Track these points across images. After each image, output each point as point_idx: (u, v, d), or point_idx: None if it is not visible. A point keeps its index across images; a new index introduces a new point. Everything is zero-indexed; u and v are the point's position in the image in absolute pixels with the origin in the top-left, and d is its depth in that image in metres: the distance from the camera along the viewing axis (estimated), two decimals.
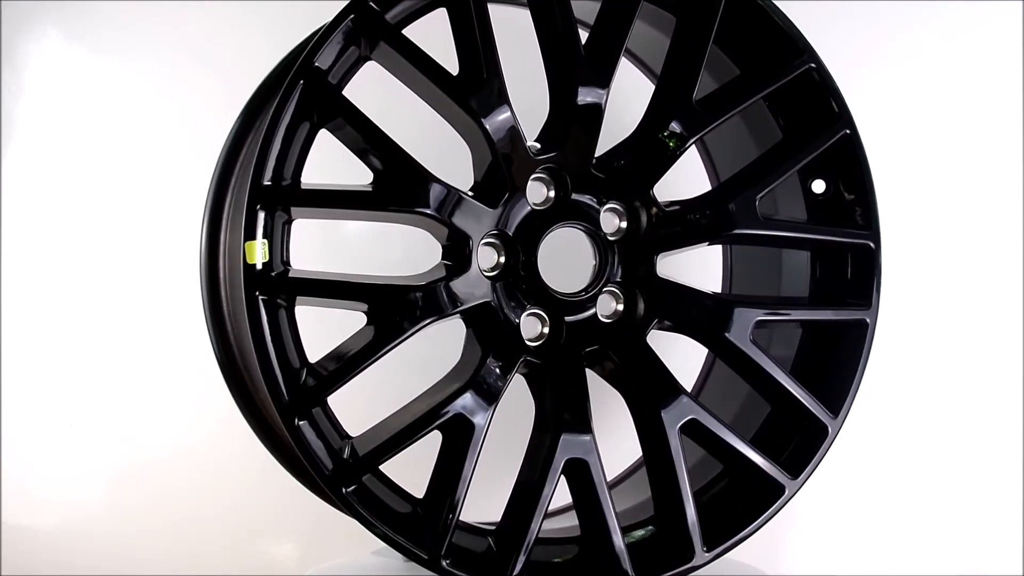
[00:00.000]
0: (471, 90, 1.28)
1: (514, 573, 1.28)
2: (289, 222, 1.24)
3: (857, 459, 1.89)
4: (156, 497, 1.83)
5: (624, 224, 1.41)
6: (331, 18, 1.22)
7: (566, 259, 1.44)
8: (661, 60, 1.44)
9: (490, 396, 1.29)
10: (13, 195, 1.82)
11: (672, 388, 1.37)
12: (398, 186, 1.26)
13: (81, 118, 1.83)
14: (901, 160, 1.86)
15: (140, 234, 1.81)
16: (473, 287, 1.31)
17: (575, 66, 1.34)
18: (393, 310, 1.25)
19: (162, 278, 1.54)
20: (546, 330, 1.37)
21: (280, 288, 1.21)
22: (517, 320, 1.36)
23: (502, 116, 1.30)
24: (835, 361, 1.48)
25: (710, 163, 1.72)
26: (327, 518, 1.49)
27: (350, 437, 1.27)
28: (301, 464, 1.50)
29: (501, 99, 1.29)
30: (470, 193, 1.31)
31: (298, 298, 1.24)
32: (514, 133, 1.31)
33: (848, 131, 1.45)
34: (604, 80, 1.35)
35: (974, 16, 1.93)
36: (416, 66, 1.26)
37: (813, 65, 1.44)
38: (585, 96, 1.35)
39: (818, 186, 1.52)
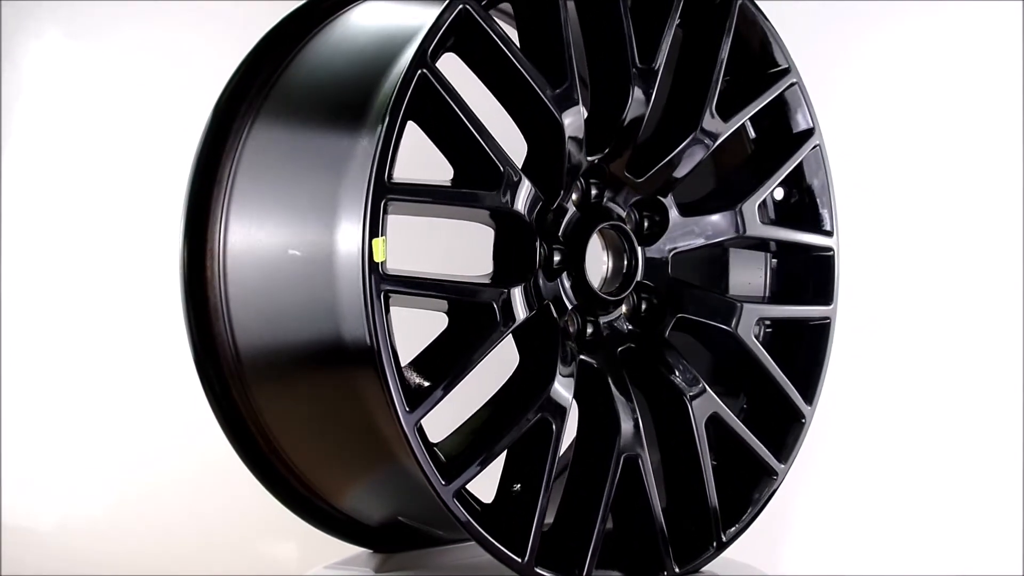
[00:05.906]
0: (553, 87, 1.27)
1: (586, 569, 1.29)
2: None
3: (856, 460, 1.96)
4: (156, 497, 1.78)
5: (651, 225, 1.46)
6: (443, 5, 1.16)
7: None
8: None
9: (563, 398, 1.29)
10: (13, 194, 1.75)
11: (697, 382, 1.43)
12: (492, 181, 1.23)
13: (81, 116, 1.77)
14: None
15: (144, 234, 1.75)
16: (538, 287, 1.31)
17: (628, 72, 1.37)
18: (490, 311, 1.22)
19: (167, 277, 1.41)
20: (592, 330, 1.40)
21: (389, 285, 1.14)
22: (567, 320, 1.37)
23: (575, 116, 1.30)
24: (801, 354, 1.59)
25: None
26: None
27: (433, 443, 1.22)
28: (268, 469, 1.42)
29: (576, 98, 1.29)
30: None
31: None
32: (580, 134, 1.32)
33: (818, 143, 1.59)
34: (649, 86, 1.39)
35: (925, 17, 2.00)
36: (506, 59, 1.23)
37: (795, 81, 1.56)
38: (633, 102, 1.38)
39: (777, 193, 1.64)
